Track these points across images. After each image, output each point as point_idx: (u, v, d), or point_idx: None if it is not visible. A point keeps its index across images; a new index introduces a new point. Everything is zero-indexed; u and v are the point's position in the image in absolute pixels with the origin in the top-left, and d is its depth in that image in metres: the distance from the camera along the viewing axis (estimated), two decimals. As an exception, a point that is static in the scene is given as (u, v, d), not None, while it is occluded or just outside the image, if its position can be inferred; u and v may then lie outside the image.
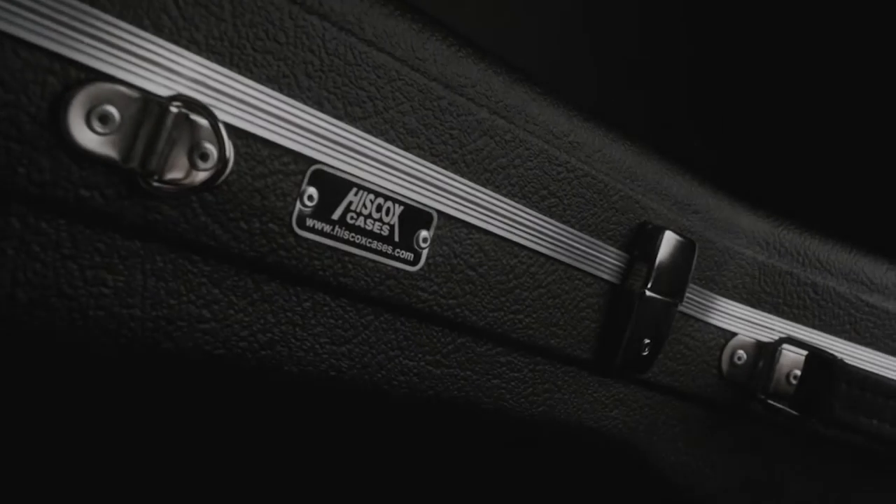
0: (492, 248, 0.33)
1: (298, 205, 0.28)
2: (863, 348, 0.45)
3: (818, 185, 0.65)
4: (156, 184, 0.24)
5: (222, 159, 0.25)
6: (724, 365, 0.43)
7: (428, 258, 0.31)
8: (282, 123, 0.27)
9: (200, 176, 0.25)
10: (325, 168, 0.28)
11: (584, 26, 0.64)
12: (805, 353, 0.42)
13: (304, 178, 0.27)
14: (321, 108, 0.27)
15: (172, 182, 0.25)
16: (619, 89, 0.65)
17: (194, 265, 0.26)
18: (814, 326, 0.44)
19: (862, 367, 0.43)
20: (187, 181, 0.25)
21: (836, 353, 0.43)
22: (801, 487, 0.46)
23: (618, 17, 0.65)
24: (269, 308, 0.28)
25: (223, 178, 0.25)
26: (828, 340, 0.45)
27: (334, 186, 0.28)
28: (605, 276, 0.37)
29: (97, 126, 0.23)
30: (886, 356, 0.46)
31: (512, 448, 0.46)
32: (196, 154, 0.25)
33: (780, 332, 0.44)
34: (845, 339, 0.45)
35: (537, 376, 0.37)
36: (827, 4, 0.64)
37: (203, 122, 0.25)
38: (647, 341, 0.38)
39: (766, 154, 0.68)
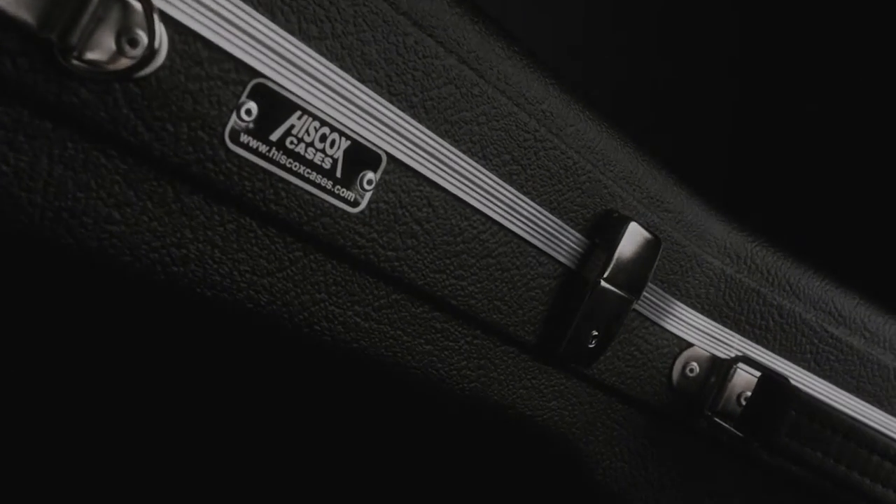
0: (441, 204, 0.31)
1: (234, 117, 0.26)
2: (820, 380, 0.43)
3: (798, 208, 0.64)
4: (75, 62, 0.23)
5: (150, 48, 0.23)
6: (675, 375, 0.41)
7: (370, 202, 0.30)
8: (227, 25, 0.25)
9: (126, 62, 0.23)
10: (269, 84, 0.26)
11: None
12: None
13: (244, 89, 0.26)
14: (273, 19, 0.26)
15: (94, 63, 0.23)
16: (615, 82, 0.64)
17: (110, 160, 0.25)
18: (773, 350, 0.43)
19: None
20: (111, 66, 0.23)
21: (790, 380, 0.41)
22: (736, 514, 0.44)
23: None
24: (187, 222, 0.26)
25: (150, 69, 0.23)
26: (785, 366, 0.43)
27: (277, 105, 0.26)
28: (561, 259, 0.36)
29: (14, -15, 0.21)
30: (842, 392, 0.44)
31: (435, 421, 0.44)
32: (125, 38, 0.23)
33: (737, 349, 0.42)
34: (804, 367, 0.43)
35: (474, 350, 0.35)
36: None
37: (136, 4, 0.23)
38: (595, 333, 0.37)
39: (755, 174, 0.66)
